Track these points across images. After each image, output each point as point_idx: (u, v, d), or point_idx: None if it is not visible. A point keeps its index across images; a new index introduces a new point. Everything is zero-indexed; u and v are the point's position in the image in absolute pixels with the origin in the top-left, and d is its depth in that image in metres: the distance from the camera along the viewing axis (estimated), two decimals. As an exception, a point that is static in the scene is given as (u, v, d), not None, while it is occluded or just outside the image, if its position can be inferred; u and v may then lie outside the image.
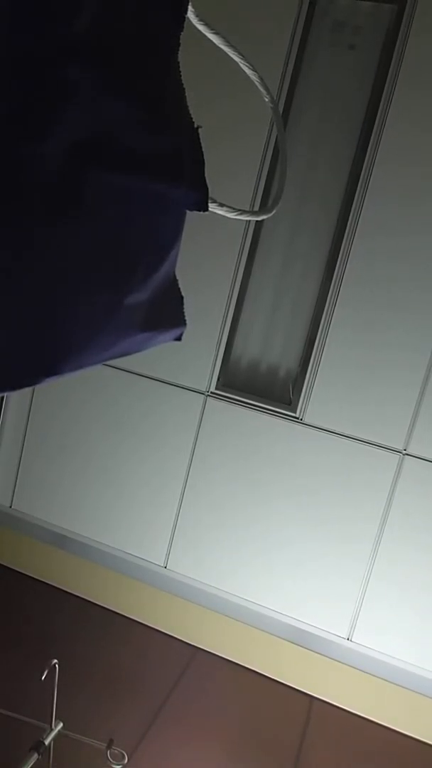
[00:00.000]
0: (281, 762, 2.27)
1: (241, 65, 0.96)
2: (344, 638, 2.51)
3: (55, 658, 1.89)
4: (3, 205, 0.63)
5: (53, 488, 2.85)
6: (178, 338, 0.94)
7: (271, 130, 2.41)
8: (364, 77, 2.33)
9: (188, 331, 0.95)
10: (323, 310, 2.44)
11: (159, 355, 2.55)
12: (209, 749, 2.24)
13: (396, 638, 2.46)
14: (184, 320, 0.94)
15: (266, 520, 2.56)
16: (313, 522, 2.51)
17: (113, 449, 2.74)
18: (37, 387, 1.03)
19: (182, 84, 0.79)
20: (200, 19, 0.88)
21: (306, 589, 2.54)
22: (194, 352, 2.59)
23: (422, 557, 2.40)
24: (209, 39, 0.92)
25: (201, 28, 0.89)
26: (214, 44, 0.93)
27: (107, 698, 2.36)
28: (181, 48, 0.79)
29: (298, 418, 2.50)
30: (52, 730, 1.88)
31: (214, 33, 0.91)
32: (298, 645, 2.56)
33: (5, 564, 2.94)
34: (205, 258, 2.51)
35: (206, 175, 0.79)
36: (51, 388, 2.73)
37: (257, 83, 0.97)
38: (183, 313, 0.93)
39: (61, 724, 1.90)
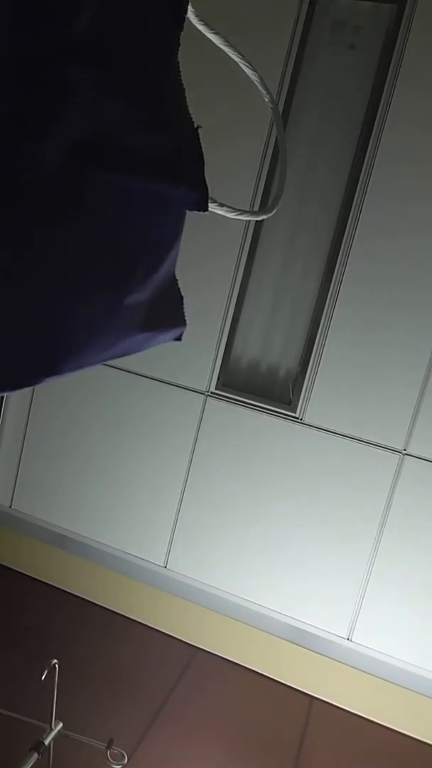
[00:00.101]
0: (281, 762, 2.27)
1: (241, 65, 0.96)
2: (344, 638, 2.51)
3: (55, 658, 1.89)
4: (3, 205, 0.63)
5: (53, 488, 2.85)
6: (178, 338, 0.95)
7: (271, 130, 2.41)
8: (364, 77, 2.33)
9: (188, 331, 0.95)
10: (323, 310, 2.44)
11: (159, 355, 2.55)
12: (209, 749, 2.24)
13: (396, 638, 2.46)
14: (184, 320, 0.94)
15: (266, 520, 2.56)
16: (313, 522, 2.51)
17: (113, 449, 2.74)
18: (37, 387, 1.03)
19: (182, 84, 0.79)
20: (200, 19, 0.88)
21: (306, 589, 2.54)
22: (194, 352, 2.59)
23: (422, 557, 2.40)
24: (209, 39, 0.92)
25: (201, 28, 0.89)
26: (214, 44, 0.93)
27: (107, 698, 2.36)
28: (181, 48, 0.79)
29: (298, 418, 2.50)
30: (52, 730, 1.88)
31: (214, 33, 0.91)
32: (298, 645, 2.56)
33: (5, 564, 2.94)
34: (205, 258, 2.51)
35: (206, 175, 0.79)
36: (51, 388, 2.73)
37: (257, 83, 0.97)
38: (183, 313, 0.93)
39: (61, 724, 1.90)
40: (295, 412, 2.50)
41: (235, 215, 0.87)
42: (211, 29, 0.91)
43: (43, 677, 1.84)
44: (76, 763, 1.97)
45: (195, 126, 0.80)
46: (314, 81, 2.39)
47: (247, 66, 0.96)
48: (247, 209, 0.98)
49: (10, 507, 2.91)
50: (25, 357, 0.71)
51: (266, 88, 0.98)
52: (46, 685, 1.86)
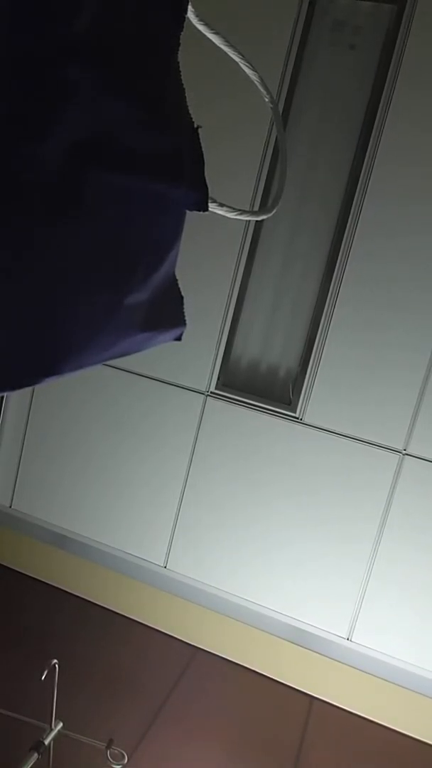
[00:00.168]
0: (281, 762, 2.27)
1: (241, 65, 0.96)
2: (344, 638, 2.51)
3: (55, 658, 1.89)
4: (3, 205, 0.63)
5: (53, 488, 2.85)
6: (178, 338, 0.95)
7: (271, 130, 2.41)
8: (364, 77, 2.33)
9: (188, 331, 0.95)
10: (323, 310, 2.44)
11: (159, 355, 2.55)
12: (209, 749, 2.24)
13: (396, 638, 2.46)
14: (184, 320, 0.94)
15: (266, 520, 2.56)
16: (313, 522, 2.51)
17: (113, 449, 2.74)
18: (37, 387, 1.03)
19: (182, 84, 0.79)
20: (200, 19, 0.88)
21: (306, 589, 2.54)
22: (194, 352, 2.59)
23: (422, 557, 2.40)
24: (209, 39, 0.92)
25: (201, 28, 0.89)
26: (214, 44, 0.93)
27: (107, 698, 2.36)
28: (181, 48, 0.79)
29: (298, 418, 2.50)
30: (52, 730, 1.88)
31: (214, 33, 0.91)
32: (298, 645, 2.56)
33: (5, 564, 2.94)
34: (205, 258, 2.51)
35: (206, 175, 0.79)
36: (51, 388, 2.73)
37: (257, 83, 0.97)
38: (183, 313, 0.93)
39: (61, 724, 1.90)
40: (295, 412, 2.50)
41: (235, 215, 0.87)
42: (211, 29, 0.91)
43: (43, 677, 1.84)
44: (76, 763, 1.97)
45: (195, 126, 0.80)
46: (314, 81, 2.39)
47: (247, 66, 0.96)
48: (247, 209, 0.98)
49: (10, 507, 2.91)
50: (25, 357, 0.71)
51: (266, 88, 0.98)
52: (46, 685, 1.86)
